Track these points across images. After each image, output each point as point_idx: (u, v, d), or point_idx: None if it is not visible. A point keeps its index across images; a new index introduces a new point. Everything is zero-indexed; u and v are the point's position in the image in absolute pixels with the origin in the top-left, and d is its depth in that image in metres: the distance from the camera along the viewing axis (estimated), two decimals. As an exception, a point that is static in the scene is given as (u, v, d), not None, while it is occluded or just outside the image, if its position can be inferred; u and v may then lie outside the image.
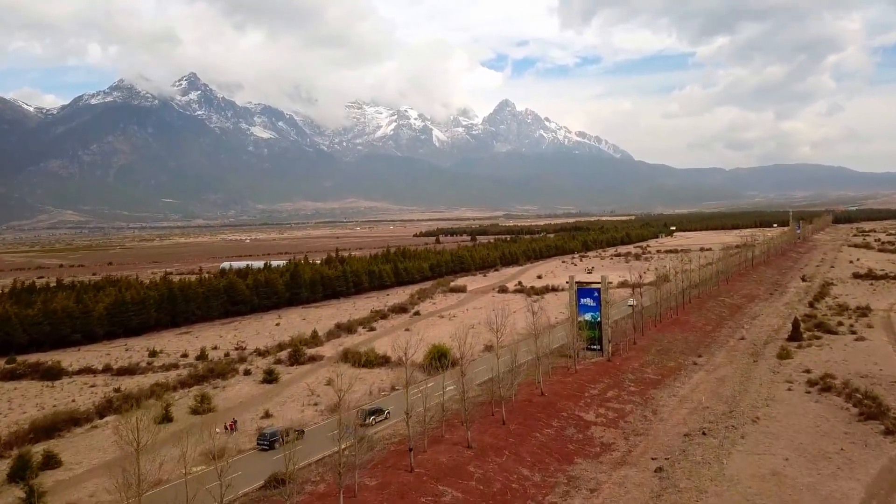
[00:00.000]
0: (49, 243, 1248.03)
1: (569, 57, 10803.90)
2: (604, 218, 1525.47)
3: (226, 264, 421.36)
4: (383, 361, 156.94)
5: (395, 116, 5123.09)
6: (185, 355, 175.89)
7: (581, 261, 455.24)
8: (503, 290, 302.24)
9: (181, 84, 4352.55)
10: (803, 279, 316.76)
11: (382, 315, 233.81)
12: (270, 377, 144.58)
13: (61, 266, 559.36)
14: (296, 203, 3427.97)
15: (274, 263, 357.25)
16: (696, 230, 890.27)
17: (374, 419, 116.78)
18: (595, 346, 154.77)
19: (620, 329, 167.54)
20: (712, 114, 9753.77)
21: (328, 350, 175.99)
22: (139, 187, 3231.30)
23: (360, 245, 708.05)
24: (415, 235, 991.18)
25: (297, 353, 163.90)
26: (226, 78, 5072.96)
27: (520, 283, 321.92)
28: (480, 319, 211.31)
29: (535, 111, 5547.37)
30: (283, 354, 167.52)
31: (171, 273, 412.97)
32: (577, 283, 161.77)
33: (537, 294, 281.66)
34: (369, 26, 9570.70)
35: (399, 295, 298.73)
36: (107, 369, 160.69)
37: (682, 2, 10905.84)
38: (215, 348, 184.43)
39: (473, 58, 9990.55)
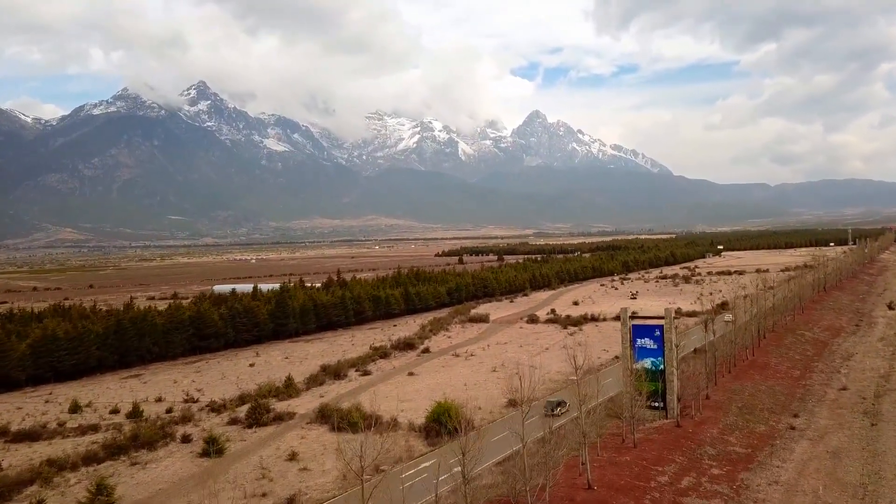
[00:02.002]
0: (40, 263, 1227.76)
1: (604, 65, 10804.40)
2: (642, 236, 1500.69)
3: (217, 287, 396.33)
4: (371, 423, 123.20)
5: (419, 128, 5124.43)
6: (115, 411, 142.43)
7: (622, 284, 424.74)
8: (533, 319, 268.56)
9: (189, 93, 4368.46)
10: (890, 307, 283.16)
11: (383, 353, 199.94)
12: (213, 448, 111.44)
13: (35, 289, 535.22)
14: (312, 220, 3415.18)
15: (266, 287, 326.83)
16: (745, 249, 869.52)
17: (559, 410, 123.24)
18: (657, 404, 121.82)
19: (685, 375, 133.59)
20: (757, 126, 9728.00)
21: (305, 403, 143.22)
22: (144, 204, 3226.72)
23: (376, 265, 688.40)
24: (436, 255, 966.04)
25: (259, 409, 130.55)
26: (237, 86, 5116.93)
27: (553, 310, 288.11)
28: (505, 359, 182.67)
29: (567, 123, 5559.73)
30: (244, 410, 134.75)
31: (152, 297, 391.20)
32: (631, 316, 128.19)
33: (574, 325, 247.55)
34: (392, 30, 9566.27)
35: (408, 325, 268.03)
36: (2, 433, 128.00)
37: (727, 6, 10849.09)
38: (159, 400, 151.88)
39: (502, 66, 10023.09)
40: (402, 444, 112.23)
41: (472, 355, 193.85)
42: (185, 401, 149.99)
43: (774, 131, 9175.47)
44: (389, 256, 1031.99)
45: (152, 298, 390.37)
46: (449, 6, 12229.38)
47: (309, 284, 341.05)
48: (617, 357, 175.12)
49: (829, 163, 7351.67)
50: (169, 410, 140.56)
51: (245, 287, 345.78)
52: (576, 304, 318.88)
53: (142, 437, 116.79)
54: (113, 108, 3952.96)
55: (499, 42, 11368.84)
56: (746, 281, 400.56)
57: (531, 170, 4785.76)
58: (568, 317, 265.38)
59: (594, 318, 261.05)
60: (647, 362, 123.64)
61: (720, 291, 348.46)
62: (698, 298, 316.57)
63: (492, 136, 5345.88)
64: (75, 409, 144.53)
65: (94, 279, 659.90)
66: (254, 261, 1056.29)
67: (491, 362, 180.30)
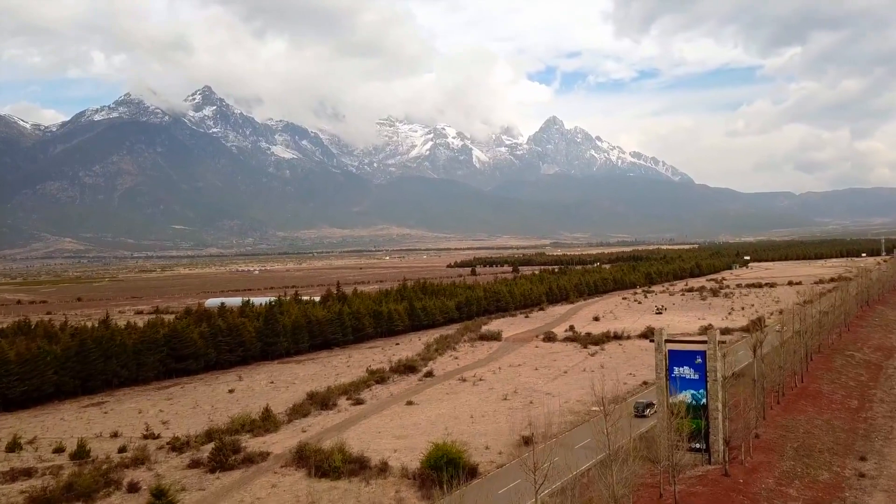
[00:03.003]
0: (35, 274, 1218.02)
1: (624, 70, 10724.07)
2: (663, 247, 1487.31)
3: (209, 301, 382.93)
4: (357, 468, 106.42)
5: (432, 135, 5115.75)
6: (60, 449, 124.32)
7: (646, 297, 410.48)
8: (550, 337, 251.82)
9: (194, 98, 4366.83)
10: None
11: (380, 377, 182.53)
12: (160, 501, 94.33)
13: (19, 303, 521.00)
14: (321, 230, 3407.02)
15: (260, 301, 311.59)
16: (773, 260, 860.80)
17: (649, 411, 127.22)
18: (699, 446, 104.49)
19: (728, 408, 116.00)
20: (781, 132, 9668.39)
21: (283, 440, 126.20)
22: (147, 212, 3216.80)
23: (384, 277, 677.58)
24: (448, 266, 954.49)
25: (224, 450, 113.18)
26: (244, 91, 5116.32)
27: (571, 327, 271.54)
28: (518, 385, 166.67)
29: (585, 129, 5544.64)
30: (209, 449, 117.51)
31: (140, 312, 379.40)
32: (667, 340, 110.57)
33: (595, 344, 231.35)
34: (405, 34, 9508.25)
35: (412, 344, 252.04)
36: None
37: (752, 8, 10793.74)
38: (115, 435, 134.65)
39: (518, 70, 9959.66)
40: (392, 495, 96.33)
41: (480, 380, 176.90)
42: (145, 436, 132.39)
43: (799, 138, 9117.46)
44: (399, 267, 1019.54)
45: (140, 313, 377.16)
46: (463, 9, 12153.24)
47: (307, 298, 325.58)
48: (646, 382, 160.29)
49: (856, 170, 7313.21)
50: (122, 449, 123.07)
51: (236, 301, 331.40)
52: (596, 319, 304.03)
53: (78, 486, 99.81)
54: (115, 114, 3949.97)
55: (515, 46, 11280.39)
56: (779, 294, 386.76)
57: (548, 178, 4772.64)
58: (588, 334, 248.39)
59: (617, 336, 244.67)
60: (687, 395, 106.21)
61: (752, 305, 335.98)
62: (729, 314, 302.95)
63: (507, 143, 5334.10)
64: (13, 447, 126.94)
65: (85, 291, 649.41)
66: (257, 272, 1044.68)
67: (502, 388, 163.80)
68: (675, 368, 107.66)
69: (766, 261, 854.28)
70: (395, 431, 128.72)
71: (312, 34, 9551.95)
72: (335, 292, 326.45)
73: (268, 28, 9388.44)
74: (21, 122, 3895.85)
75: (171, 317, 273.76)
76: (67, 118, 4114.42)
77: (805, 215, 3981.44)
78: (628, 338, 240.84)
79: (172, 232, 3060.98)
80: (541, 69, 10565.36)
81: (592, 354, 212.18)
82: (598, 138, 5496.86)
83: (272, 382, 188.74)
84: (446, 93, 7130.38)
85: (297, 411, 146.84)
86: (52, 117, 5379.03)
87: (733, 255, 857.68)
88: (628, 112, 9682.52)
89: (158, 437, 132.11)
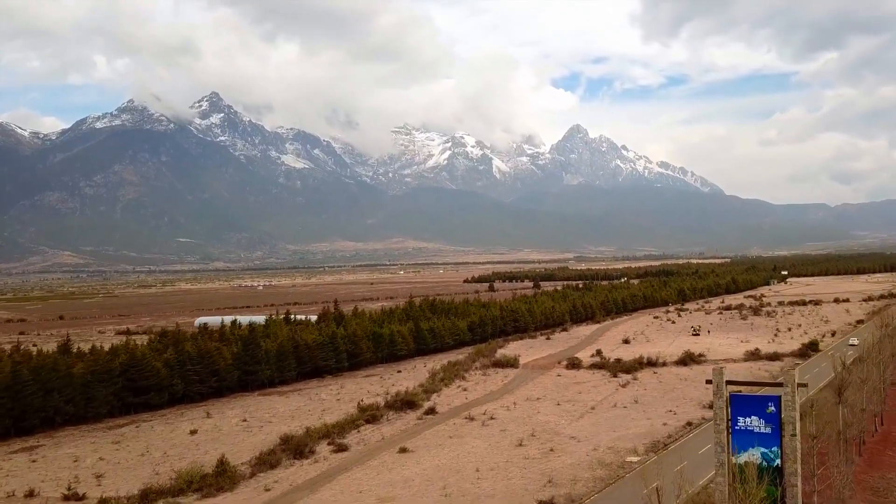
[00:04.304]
0: (29, 290, 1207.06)
1: (651, 76, 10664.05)
2: (693, 261, 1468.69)
3: (199, 320, 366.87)
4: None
5: (450, 144, 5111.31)
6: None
7: (679, 316, 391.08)
8: (574, 364, 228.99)
9: (201, 105, 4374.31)
10: None
11: (371, 415, 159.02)
12: None
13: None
14: (333, 243, 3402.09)
15: (246, 320, 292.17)
16: (812, 275, 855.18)
17: None
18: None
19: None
20: (816, 141, 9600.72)
21: (239, 502, 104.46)
22: (150, 225, 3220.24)
23: (395, 293, 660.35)
24: (465, 281, 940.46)
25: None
26: (253, 98, 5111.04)
27: (598, 351, 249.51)
28: (535, 426, 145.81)
29: (610, 138, 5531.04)
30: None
31: (122, 332, 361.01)
32: (728, 382, 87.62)
33: (626, 372, 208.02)
34: (423, 37, 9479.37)
35: (416, 371, 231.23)
36: None
37: (786, 11, 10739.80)
38: (30, 494, 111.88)
39: (541, 76, 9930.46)
40: None
41: (491, 418, 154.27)
42: (66, 497, 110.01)
43: (835, 147, 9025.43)
44: (413, 283, 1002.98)
45: (121, 333, 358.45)
46: (485, 12, 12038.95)
47: (302, 317, 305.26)
48: (690, 423, 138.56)
49: (894, 181, 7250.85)
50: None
51: (216, 319, 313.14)
52: (626, 342, 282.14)
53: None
54: (117, 121, 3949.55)
55: (538, 50, 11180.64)
56: (827, 312, 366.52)
57: (571, 189, 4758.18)
58: (618, 361, 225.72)
59: (651, 363, 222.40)
60: (756, 454, 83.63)
61: (799, 325, 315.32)
62: (775, 335, 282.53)
63: (529, 152, 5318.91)
64: None
65: (73, 308, 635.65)
66: (261, 287, 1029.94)
67: (517, 430, 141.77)
68: (740, 419, 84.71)
69: (805, 276, 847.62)
70: (380, 491, 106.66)
71: (326, 38, 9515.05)
72: (333, 311, 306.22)
73: (279, 31, 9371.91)
74: (19, 130, 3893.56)
75: (141, 339, 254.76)
76: (68, 126, 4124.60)
77: (841, 228, 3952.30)
78: (664, 364, 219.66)
79: (177, 245, 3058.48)
80: (565, 75, 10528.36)
81: (623, 385, 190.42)
82: (624, 147, 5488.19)
83: (245, 420, 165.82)
84: (465, 100, 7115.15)
85: (264, 461, 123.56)
86: (52, 125, 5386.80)
87: (770, 270, 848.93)
88: (656, 120, 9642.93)
89: (83, 497, 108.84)
